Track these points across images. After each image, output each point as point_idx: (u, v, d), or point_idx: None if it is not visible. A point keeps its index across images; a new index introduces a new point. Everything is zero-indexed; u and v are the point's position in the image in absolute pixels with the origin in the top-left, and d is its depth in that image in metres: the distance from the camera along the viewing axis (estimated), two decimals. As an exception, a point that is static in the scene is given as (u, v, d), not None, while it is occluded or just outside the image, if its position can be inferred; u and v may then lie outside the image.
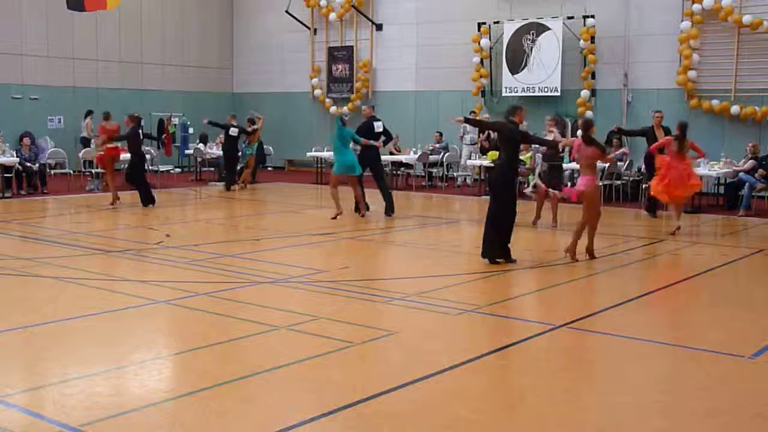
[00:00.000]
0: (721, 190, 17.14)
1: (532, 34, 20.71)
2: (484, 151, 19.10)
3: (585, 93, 20.12)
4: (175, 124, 24.57)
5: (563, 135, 13.76)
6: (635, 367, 6.33)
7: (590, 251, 10.71)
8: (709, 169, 16.34)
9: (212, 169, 22.20)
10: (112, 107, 23.04)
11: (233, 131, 19.03)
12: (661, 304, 8.67)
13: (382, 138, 14.96)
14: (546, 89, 20.60)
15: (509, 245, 10.42)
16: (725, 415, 5.24)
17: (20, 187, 17.85)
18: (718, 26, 18.68)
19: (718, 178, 16.91)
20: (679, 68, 18.95)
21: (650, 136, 15.05)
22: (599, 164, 11.74)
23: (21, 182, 17.96)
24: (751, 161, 15.95)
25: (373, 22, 24.01)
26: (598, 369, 6.22)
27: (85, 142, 21.11)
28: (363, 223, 14.03)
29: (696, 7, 18.60)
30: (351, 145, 14.17)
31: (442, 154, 20.53)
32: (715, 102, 18.60)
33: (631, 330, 7.37)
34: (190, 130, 24.23)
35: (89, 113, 21.85)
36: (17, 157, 17.52)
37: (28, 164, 17.85)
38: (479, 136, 19.66)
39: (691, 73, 18.77)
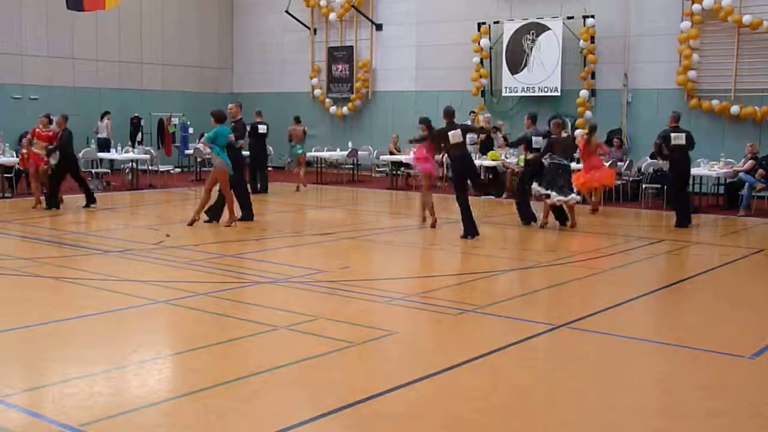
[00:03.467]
0: (721, 190, 17.14)
1: (532, 34, 20.72)
2: (484, 151, 19.09)
3: (584, 93, 20.12)
4: (174, 124, 24.57)
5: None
6: (635, 367, 6.33)
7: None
8: (709, 169, 16.35)
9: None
10: (112, 107, 23.23)
11: (262, 129, 18.78)
12: (661, 304, 8.67)
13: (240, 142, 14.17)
14: (546, 89, 20.60)
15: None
16: (725, 415, 5.24)
17: (12, 187, 17.83)
18: (718, 26, 18.68)
19: (718, 178, 16.91)
20: (678, 68, 18.95)
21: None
22: None
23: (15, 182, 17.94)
24: (750, 161, 15.95)
25: (373, 22, 24.02)
26: (598, 369, 6.22)
27: (104, 143, 21.48)
28: (362, 224, 14.02)
29: (696, 7, 18.61)
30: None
31: (442, 154, 20.50)
32: (714, 102, 18.60)
33: (631, 330, 7.37)
34: (190, 130, 24.21)
35: (106, 114, 22.36)
36: (17, 157, 17.48)
37: (28, 164, 17.79)
38: (479, 137, 19.65)
39: (691, 73, 18.77)
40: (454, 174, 12.76)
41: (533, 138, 13.65)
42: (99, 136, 22.00)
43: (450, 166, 12.65)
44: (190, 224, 12.99)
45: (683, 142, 13.75)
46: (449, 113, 12.65)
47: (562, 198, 13.14)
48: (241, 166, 14.04)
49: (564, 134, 13.46)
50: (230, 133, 13.17)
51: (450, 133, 12.32)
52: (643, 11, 19.63)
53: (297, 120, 19.87)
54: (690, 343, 6.92)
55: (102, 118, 22.34)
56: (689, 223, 13.79)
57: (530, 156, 13.92)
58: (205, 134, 13.42)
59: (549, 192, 13.12)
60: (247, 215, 13.73)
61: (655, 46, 19.48)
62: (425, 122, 13.23)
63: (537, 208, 13.85)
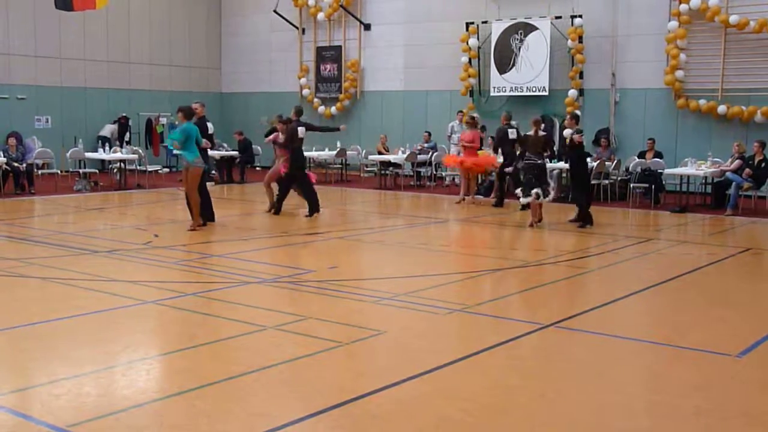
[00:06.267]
0: (708, 189, 17.22)
1: (520, 34, 20.76)
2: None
3: (573, 92, 20.17)
4: (163, 124, 24.52)
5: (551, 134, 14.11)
6: (623, 366, 6.36)
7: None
8: (696, 169, 16.43)
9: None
10: (99, 107, 23.19)
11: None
12: (649, 303, 8.70)
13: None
14: (534, 89, 20.64)
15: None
16: (712, 414, 5.26)
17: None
18: (705, 26, 18.77)
19: (705, 177, 16.99)
20: (666, 68, 19.03)
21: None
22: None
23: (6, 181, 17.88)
24: (737, 161, 16.01)
25: (361, 22, 24.01)
26: (585, 368, 6.24)
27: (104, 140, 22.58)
28: (351, 224, 14.04)
29: (683, 7, 18.69)
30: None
31: (430, 153, 20.55)
32: (702, 102, 18.68)
33: (619, 329, 7.40)
34: (179, 130, 24.13)
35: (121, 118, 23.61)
36: (4, 157, 17.44)
37: (15, 164, 17.75)
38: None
39: (679, 73, 18.85)
40: (292, 163, 14.40)
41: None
42: (101, 134, 22.55)
43: (292, 155, 14.49)
44: (192, 229, 12.47)
45: (515, 136, 15.73)
46: (298, 112, 14.75)
47: (542, 197, 13.32)
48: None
49: (539, 132, 13.53)
50: (197, 130, 12.56)
51: (299, 129, 14.34)
52: (630, 11, 19.70)
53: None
54: (677, 342, 6.95)
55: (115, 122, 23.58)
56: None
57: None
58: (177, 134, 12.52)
59: (532, 192, 13.26)
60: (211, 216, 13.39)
61: (643, 45, 19.55)
62: (299, 112, 14.89)
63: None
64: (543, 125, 14.05)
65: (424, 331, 7.22)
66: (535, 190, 13.22)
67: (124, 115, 23.89)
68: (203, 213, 13.09)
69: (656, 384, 5.93)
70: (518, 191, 13.62)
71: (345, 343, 6.64)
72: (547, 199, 13.41)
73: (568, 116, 14.84)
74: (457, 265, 10.70)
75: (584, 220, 13.41)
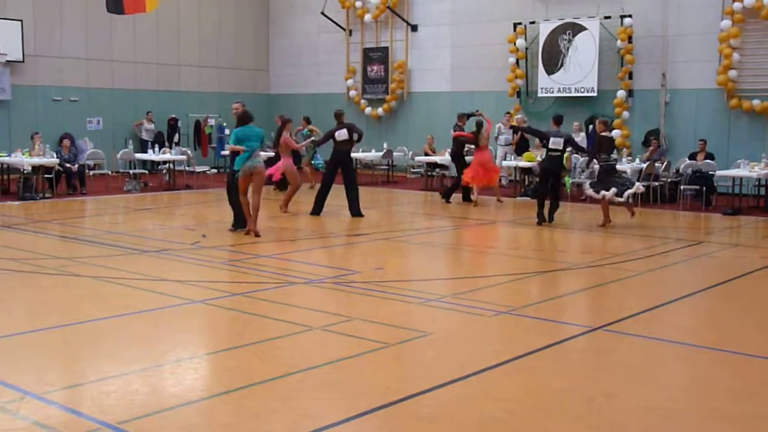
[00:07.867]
0: (762, 191, 16.87)
1: (569, 34, 20.57)
2: (519, 152, 19.01)
3: (622, 93, 19.93)
4: (211, 126, 24.79)
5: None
6: (672, 371, 6.25)
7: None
8: (749, 170, 16.10)
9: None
10: (149, 108, 23.52)
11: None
12: (700, 306, 8.55)
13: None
14: (582, 89, 20.44)
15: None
16: (762, 421, 5.15)
17: (52, 187, 18.08)
18: (760, 25, 18.39)
19: (759, 179, 16.65)
20: (719, 68, 18.69)
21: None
22: None
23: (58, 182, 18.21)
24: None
25: (408, 23, 24.01)
26: (634, 372, 6.14)
27: (144, 144, 22.86)
28: (397, 225, 14.00)
29: (737, 5, 18.33)
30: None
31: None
32: (755, 102, 18.32)
33: (668, 333, 7.28)
34: (226, 131, 24.39)
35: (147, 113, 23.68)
36: (57, 158, 17.78)
37: (68, 165, 18.08)
38: (514, 137, 19.59)
39: (732, 73, 18.50)
40: (330, 163, 15.14)
41: (552, 138, 13.73)
42: (143, 137, 23.41)
43: (331, 157, 15.12)
44: (258, 234, 12.08)
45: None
46: (338, 115, 15.01)
47: (616, 195, 13.25)
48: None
49: (608, 133, 13.55)
50: (261, 132, 12.23)
51: (337, 132, 14.62)
52: (681, 10, 19.39)
53: (308, 120, 19.99)
54: (728, 346, 6.82)
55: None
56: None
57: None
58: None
59: (603, 192, 13.29)
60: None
61: (695, 45, 19.24)
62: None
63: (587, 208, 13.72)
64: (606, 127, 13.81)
65: (470, 332, 7.19)
66: (611, 190, 13.20)
67: (173, 116, 24.22)
68: (238, 219, 12.70)
69: (705, 389, 5.82)
70: (587, 188, 13.74)
71: (391, 345, 6.63)
72: (623, 197, 13.29)
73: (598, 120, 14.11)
74: (504, 266, 10.62)
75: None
